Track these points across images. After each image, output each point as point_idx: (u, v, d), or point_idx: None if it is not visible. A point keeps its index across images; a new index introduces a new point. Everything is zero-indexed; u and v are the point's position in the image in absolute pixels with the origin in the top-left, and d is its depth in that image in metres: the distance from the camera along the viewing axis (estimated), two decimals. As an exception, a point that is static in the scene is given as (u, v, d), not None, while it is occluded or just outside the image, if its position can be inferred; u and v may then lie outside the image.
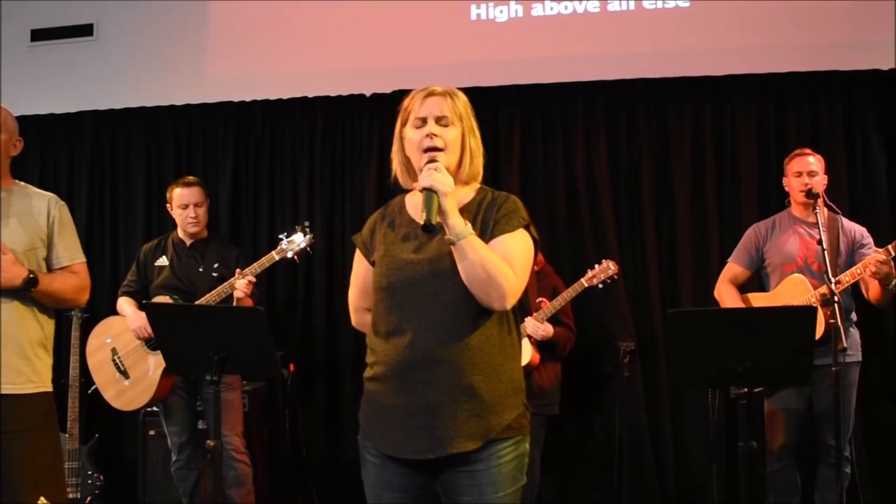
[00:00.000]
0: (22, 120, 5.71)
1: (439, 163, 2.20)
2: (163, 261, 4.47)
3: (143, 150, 5.71)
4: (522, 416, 2.26)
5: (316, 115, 5.44)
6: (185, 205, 4.45)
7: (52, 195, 3.13)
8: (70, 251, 3.09)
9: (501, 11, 5.23)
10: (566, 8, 5.14)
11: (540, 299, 4.25)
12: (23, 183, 3.12)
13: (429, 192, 2.13)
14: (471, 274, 2.13)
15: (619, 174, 5.05)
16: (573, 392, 4.77)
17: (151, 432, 4.79)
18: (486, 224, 2.26)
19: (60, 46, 5.91)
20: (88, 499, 4.87)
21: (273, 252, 4.29)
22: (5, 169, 3.04)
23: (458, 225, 2.13)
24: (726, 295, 4.19)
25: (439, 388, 2.16)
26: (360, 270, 2.43)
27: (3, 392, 2.83)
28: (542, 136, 5.16)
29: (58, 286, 2.98)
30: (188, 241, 4.49)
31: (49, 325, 3.04)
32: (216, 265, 4.40)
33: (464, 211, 2.26)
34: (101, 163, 5.79)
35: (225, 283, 4.24)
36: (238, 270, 4.25)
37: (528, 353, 4.10)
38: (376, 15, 5.40)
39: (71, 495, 4.79)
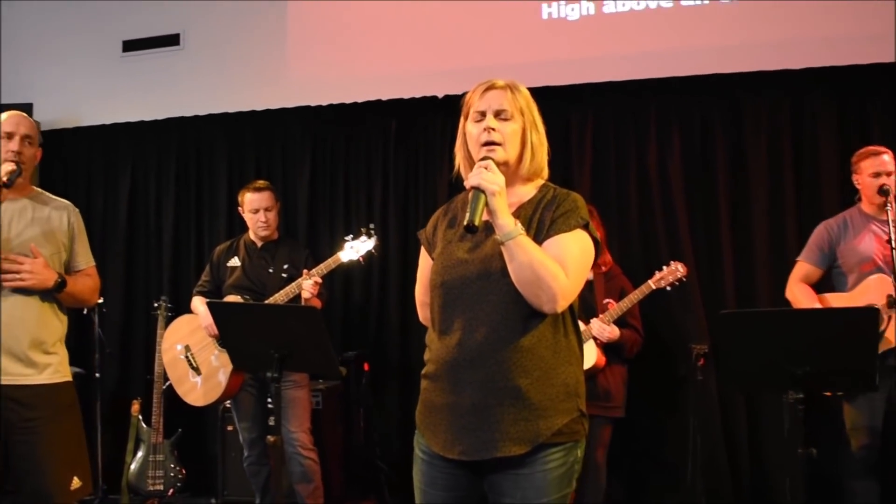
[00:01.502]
0: (114, 127, 6.06)
1: (490, 161, 2.16)
2: (234, 262, 4.60)
3: (226, 154, 5.91)
4: (576, 422, 2.20)
5: (390, 117, 5.52)
6: (255, 209, 4.57)
7: (68, 203, 3.33)
8: (86, 256, 3.31)
9: (573, 9, 5.19)
10: (638, 4, 5.06)
11: (607, 300, 4.19)
12: (39, 189, 3.31)
13: (477, 191, 2.10)
14: (519, 275, 2.11)
15: (693, 172, 4.94)
16: (645, 395, 4.72)
17: (229, 428, 4.96)
18: (543, 223, 2.21)
19: (149, 56, 6.16)
20: (171, 491, 5.04)
21: (339, 254, 4.37)
22: (29, 179, 3.22)
23: (508, 225, 2.09)
24: (801, 295, 4.04)
25: (486, 388, 2.14)
26: (424, 266, 2.43)
27: (36, 382, 3.03)
28: (614, 135, 5.10)
29: (79, 288, 3.20)
30: (259, 243, 4.61)
31: (66, 321, 3.24)
32: (285, 266, 4.50)
33: (522, 208, 2.24)
34: (186, 167, 6.01)
35: (293, 284, 4.33)
36: (305, 271, 4.34)
37: (593, 356, 4.06)
38: (448, 16, 5.44)
39: (153, 487, 4.99)
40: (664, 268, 4.18)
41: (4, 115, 3.16)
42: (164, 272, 5.97)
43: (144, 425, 5.14)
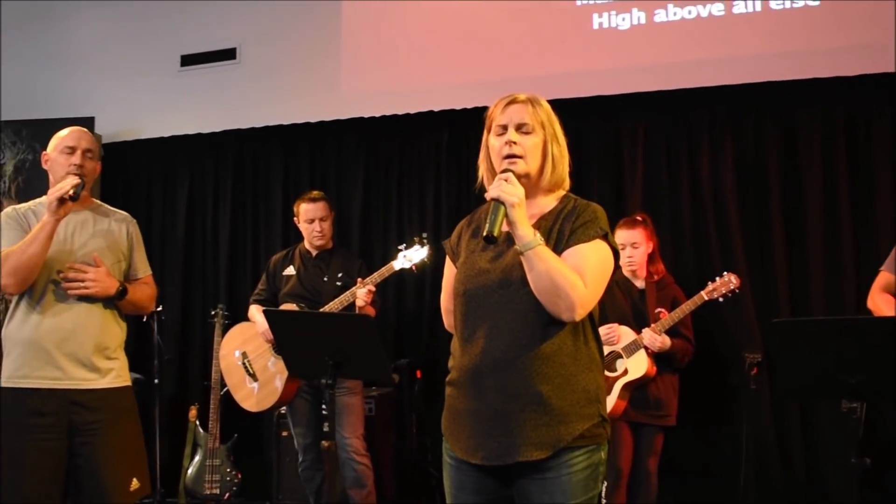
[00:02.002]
0: (172, 140, 6.22)
1: (510, 173, 2.21)
2: (290, 271, 4.69)
3: (282, 165, 6.03)
4: (598, 426, 2.24)
5: (441, 128, 5.58)
6: (310, 219, 4.66)
7: (127, 214, 3.44)
8: (143, 264, 3.41)
9: (624, 19, 5.20)
10: (689, 13, 5.05)
11: (659, 310, 4.19)
12: (99, 202, 3.42)
13: (496, 202, 2.15)
14: (538, 284, 2.15)
15: (746, 181, 4.91)
16: (697, 404, 4.69)
17: (284, 434, 5.02)
18: (563, 233, 2.26)
19: (207, 70, 6.31)
20: (227, 495, 5.16)
21: (392, 263, 4.43)
22: (90, 191, 3.33)
23: (527, 235, 2.14)
24: (883, 304, 3.95)
25: (508, 394, 2.19)
26: (449, 275, 2.48)
27: (99, 387, 3.13)
28: (666, 145, 5.09)
29: (139, 295, 3.30)
30: (314, 252, 4.70)
31: (125, 328, 3.34)
32: (340, 275, 4.59)
33: (544, 219, 2.29)
34: (243, 178, 6.15)
35: (347, 292, 4.41)
36: (360, 280, 4.41)
37: (644, 365, 4.07)
38: (499, 28, 5.49)
39: (210, 491, 5.11)
40: (717, 279, 4.16)
41: (66, 130, 3.28)
42: (220, 281, 6.10)
43: (202, 430, 5.27)
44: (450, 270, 2.49)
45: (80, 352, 3.10)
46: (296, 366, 3.54)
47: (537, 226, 2.26)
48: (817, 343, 3.01)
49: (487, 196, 2.20)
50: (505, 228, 2.19)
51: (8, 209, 3.27)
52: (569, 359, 2.22)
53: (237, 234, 6.13)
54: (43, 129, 6.25)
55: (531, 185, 2.30)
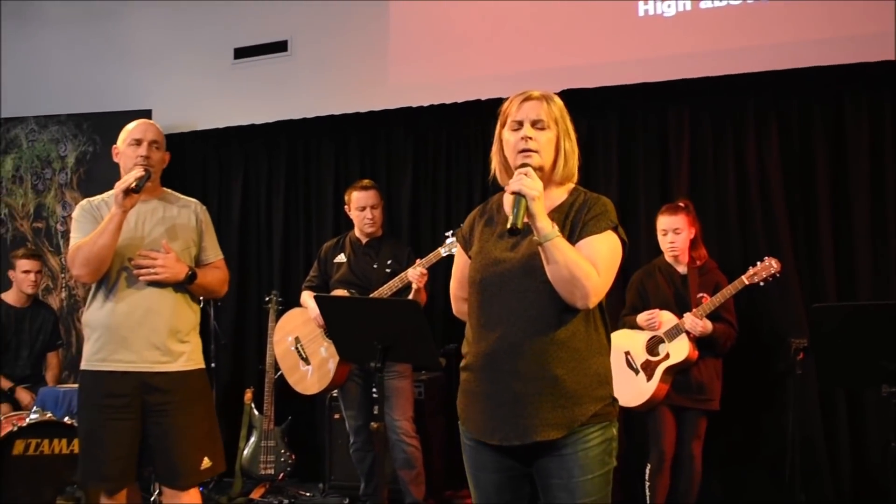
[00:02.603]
0: (227, 131, 6.39)
1: (529, 168, 2.29)
2: (341, 258, 4.81)
3: (333, 155, 6.15)
4: (609, 406, 2.36)
5: (488, 116, 5.61)
6: (362, 207, 4.78)
7: (196, 201, 3.56)
8: (214, 249, 3.51)
9: (669, 6, 5.21)
10: (735, -1, 5.07)
11: (701, 295, 4.23)
12: (169, 190, 3.55)
13: (518, 196, 2.24)
14: (556, 274, 2.24)
15: (792, 167, 4.90)
16: (743, 389, 4.74)
17: (336, 416, 5.16)
18: (576, 225, 2.36)
19: (259, 62, 6.46)
20: (281, 476, 5.33)
21: (440, 248, 4.53)
22: (158, 181, 3.45)
23: (546, 227, 2.23)
24: None
25: (525, 378, 2.29)
26: (460, 263, 2.60)
27: (171, 370, 3.25)
28: (711, 131, 5.10)
29: (209, 280, 3.40)
30: (364, 240, 4.82)
31: (198, 312, 3.46)
32: (389, 262, 4.70)
33: (556, 211, 2.37)
34: (295, 168, 6.29)
35: (397, 277, 4.53)
36: (418, 259, 4.51)
37: (685, 349, 4.11)
38: (544, 16, 5.53)
39: (265, 471, 5.28)
40: (758, 263, 4.18)
41: (134, 123, 3.41)
42: (274, 268, 6.26)
43: (257, 412, 5.43)
44: (461, 259, 2.61)
45: (153, 336, 3.21)
46: (346, 350, 3.64)
47: (550, 217, 2.33)
48: (858, 328, 3.06)
49: (509, 190, 2.29)
50: (525, 220, 2.27)
51: (83, 202, 3.41)
52: (582, 344, 2.33)
53: (290, 223, 6.28)
54: (103, 123, 6.50)
55: (544, 178, 2.39)
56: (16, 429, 4.16)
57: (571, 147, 2.43)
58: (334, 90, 6.18)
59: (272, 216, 6.33)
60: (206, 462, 3.29)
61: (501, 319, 2.34)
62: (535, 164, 2.34)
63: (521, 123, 2.39)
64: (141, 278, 3.21)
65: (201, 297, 3.50)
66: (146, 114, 6.30)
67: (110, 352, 3.22)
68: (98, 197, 3.41)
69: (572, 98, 5.20)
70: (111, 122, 6.33)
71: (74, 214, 3.38)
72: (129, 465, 3.22)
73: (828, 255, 4.79)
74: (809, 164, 4.88)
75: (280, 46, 6.39)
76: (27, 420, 4.23)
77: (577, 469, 2.29)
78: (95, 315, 3.26)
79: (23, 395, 5.02)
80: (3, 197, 6.65)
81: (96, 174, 6.46)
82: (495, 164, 2.51)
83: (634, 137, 5.28)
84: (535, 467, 2.35)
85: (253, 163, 6.44)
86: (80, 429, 3.34)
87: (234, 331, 6.28)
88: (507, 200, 2.50)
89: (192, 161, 6.61)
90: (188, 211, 3.47)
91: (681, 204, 4.39)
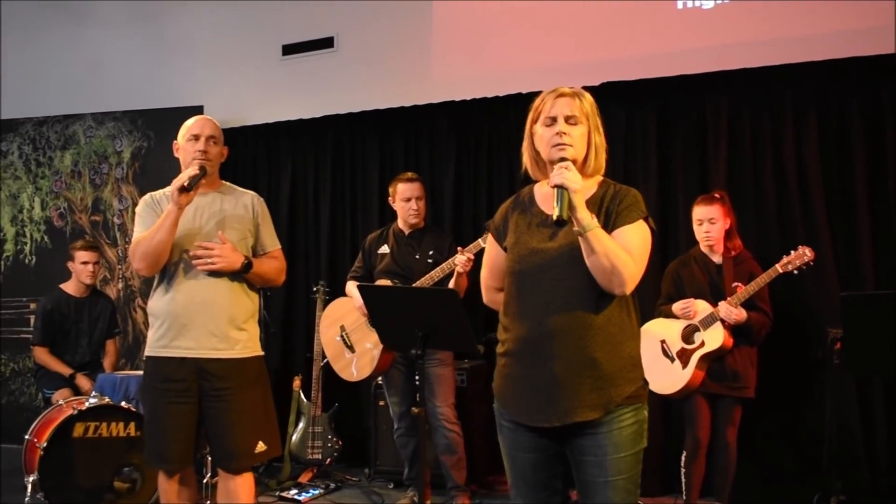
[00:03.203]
0: (276, 126, 6.56)
1: (569, 162, 2.40)
2: (384, 249, 4.94)
3: (378, 149, 6.28)
4: (641, 388, 2.48)
5: (528, 109, 5.71)
6: (407, 198, 4.90)
7: (253, 193, 3.66)
8: (271, 239, 3.62)
9: (708, -1, 5.27)
10: (774, -10, 5.08)
11: (735, 284, 4.26)
12: (228, 183, 3.67)
13: (560, 189, 2.34)
14: (596, 263, 2.35)
15: (830, 157, 4.91)
16: (780, 378, 4.78)
17: (381, 403, 5.29)
18: (609, 215, 2.47)
19: (307, 59, 6.63)
20: (328, 460, 5.48)
21: (479, 240, 4.62)
22: (217, 174, 3.59)
23: (586, 219, 2.34)
24: None
25: (564, 362, 2.40)
26: (492, 254, 2.71)
27: (227, 356, 3.37)
28: (749, 122, 5.13)
29: (265, 269, 3.51)
30: (407, 231, 4.94)
31: (256, 300, 3.57)
32: (431, 252, 4.82)
33: (588, 203, 2.46)
34: (342, 162, 6.43)
35: (438, 267, 4.64)
36: (459, 249, 4.62)
37: (720, 337, 4.17)
38: (584, 10, 5.61)
39: (312, 456, 5.44)
40: (791, 252, 4.21)
41: (192, 119, 3.55)
42: (322, 259, 6.41)
43: (305, 399, 5.60)
44: (493, 250, 2.72)
45: (211, 323, 3.34)
46: (388, 337, 3.73)
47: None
48: (885, 316, 3.09)
49: (551, 183, 2.39)
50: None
51: (145, 196, 3.57)
52: (616, 328, 2.44)
53: (336, 215, 6.43)
54: (157, 119, 6.72)
55: (576, 171, 2.47)
56: (76, 412, 4.36)
57: (601, 141, 2.53)
58: (379, 85, 6.33)
59: (319, 208, 6.49)
60: (261, 446, 3.40)
61: (540, 307, 2.44)
62: (569, 157, 2.43)
63: (554, 119, 2.49)
64: (199, 268, 3.33)
65: (259, 286, 3.60)
66: (198, 110, 6.51)
67: (171, 339, 3.36)
68: (160, 191, 3.55)
69: (612, 90, 5.38)
70: (164, 118, 6.58)
71: (137, 209, 3.53)
72: (188, 448, 3.37)
73: (866, 244, 4.80)
74: (847, 154, 4.88)
75: (327, 43, 6.56)
76: (86, 404, 4.43)
77: (611, 447, 2.40)
78: (158, 304, 3.42)
79: (83, 381, 5.24)
80: (63, 191, 6.91)
81: (150, 169, 6.68)
82: (526, 159, 2.62)
83: (673, 129, 5.33)
84: (569, 446, 2.46)
85: (301, 157, 6.60)
86: (144, 411, 3.51)
87: (284, 320, 6.45)
88: (540, 192, 2.61)
89: (242, 155, 6.77)
90: (245, 202, 3.58)
91: (716, 195, 4.43)
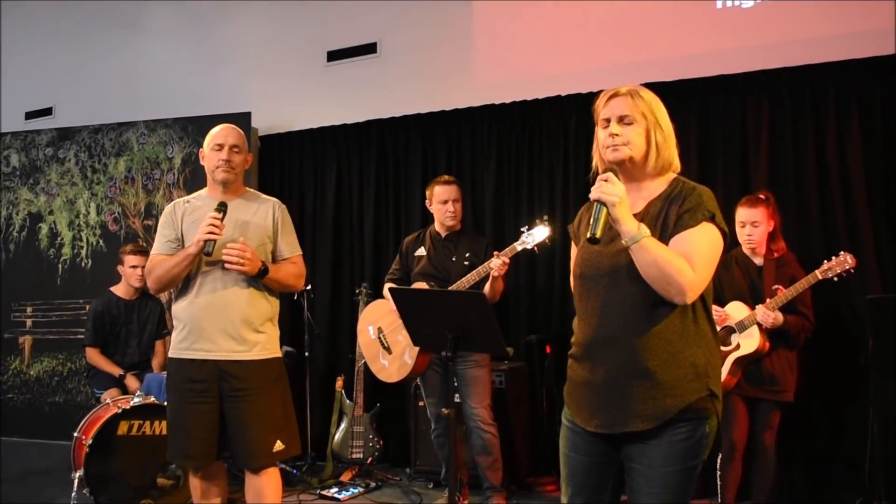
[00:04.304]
0: (321, 130, 6.66)
1: (610, 174, 2.34)
2: (421, 251, 5.00)
3: (420, 152, 6.34)
4: (705, 401, 2.35)
5: (569, 112, 5.73)
6: (444, 200, 4.95)
7: (275, 200, 3.73)
8: (290, 246, 3.69)
9: (748, -2, 5.22)
10: (815, -12, 5.01)
11: (776, 287, 4.20)
12: (252, 190, 3.76)
13: (599, 203, 2.30)
14: (648, 273, 2.31)
15: (874, 157, 4.82)
16: (825, 382, 4.72)
17: (420, 404, 5.33)
18: (668, 217, 2.40)
19: (350, 64, 6.74)
20: (370, 460, 5.55)
21: (515, 244, 4.65)
22: (241, 181, 3.69)
23: (631, 230, 2.29)
24: None
25: (617, 370, 2.37)
26: (574, 257, 2.69)
27: (245, 358, 3.47)
28: (791, 121, 5.06)
29: (282, 274, 3.58)
30: (443, 234, 4.99)
31: (276, 304, 3.65)
32: (467, 255, 4.85)
33: (652, 204, 2.44)
34: (385, 165, 6.50)
35: (475, 270, 4.67)
36: (495, 253, 4.64)
37: (756, 341, 4.12)
38: (623, 11, 5.60)
39: (354, 455, 5.52)
40: (833, 258, 4.13)
41: (217, 128, 3.66)
42: (366, 261, 6.48)
43: (347, 400, 5.67)
44: (574, 252, 2.70)
45: (230, 327, 3.46)
46: (420, 339, 3.79)
47: (646, 210, 2.43)
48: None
49: (591, 197, 2.34)
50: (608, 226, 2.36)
51: (169, 205, 3.71)
52: (675, 336, 2.35)
53: (380, 217, 6.50)
54: (206, 125, 6.75)
55: (637, 170, 2.48)
56: (120, 411, 4.50)
57: (664, 138, 2.47)
58: (421, 89, 6.39)
59: (364, 211, 6.56)
60: (279, 445, 3.49)
61: (597, 312, 2.44)
62: (623, 157, 2.42)
63: (608, 121, 2.48)
64: (229, 268, 3.43)
65: (277, 291, 3.67)
66: (246, 116, 6.66)
67: (192, 341, 3.49)
68: (183, 198, 3.71)
69: (652, 91, 5.30)
70: (213, 125, 6.63)
71: (161, 217, 3.68)
72: (209, 446, 3.48)
73: (910, 247, 4.70)
74: (891, 154, 4.79)
75: (370, 48, 6.64)
76: (131, 403, 4.56)
77: (659, 460, 2.35)
78: (179, 307, 3.56)
79: (131, 381, 5.38)
80: (117, 196, 7.11)
81: (200, 174, 6.73)
82: (596, 161, 2.59)
83: (713, 129, 5.29)
84: (624, 451, 2.44)
85: (346, 161, 6.68)
86: (167, 410, 3.63)
87: (330, 321, 6.54)
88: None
89: (289, 160, 6.92)
90: (266, 209, 3.67)
91: (761, 196, 4.37)
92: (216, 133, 3.64)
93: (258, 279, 3.51)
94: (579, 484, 2.54)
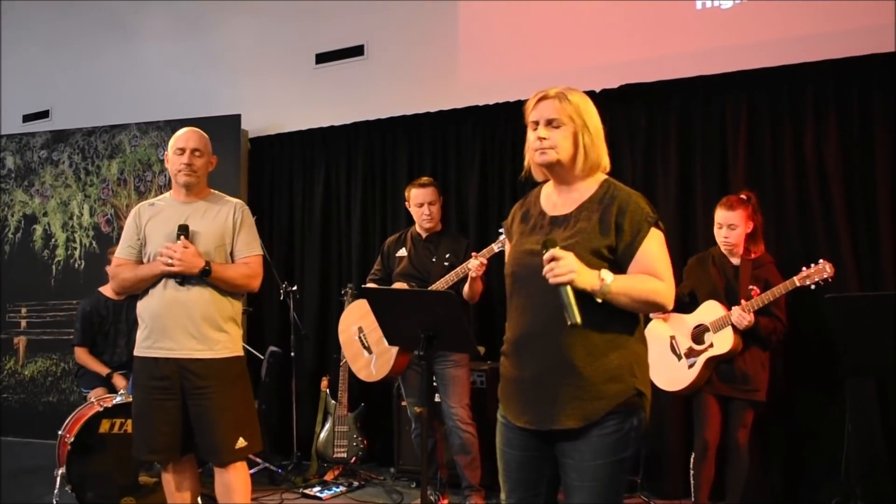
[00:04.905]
0: (310, 132, 6.70)
1: (552, 251, 2.34)
2: (402, 252, 5.03)
3: (406, 153, 6.38)
4: (633, 398, 2.42)
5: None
6: (420, 203, 4.98)
7: (238, 201, 3.79)
8: (248, 246, 3.72)
9: (727, -1, 5.26)
10: (793, -12, 5.03)
11: (751, 287, 4.20)
12: (216, 192, 3.82)
13: (561, 287, 2.31)
14: (630, 308, 2.40)
15: (852, 157, 4.83)
16: (801, 382, 4.76)
17: (403, 403, 5.37)
18: (606, 222, 2.44)
19: (338, 67, 6.80)
20: (353, 459, 5.59)
21: (493, 244, 4.65)
22: (204, 183, 3.76)
23: (595, 287, 2.34)
24: None
25: (545, 366, 2.43)
26: (508, 254, 2.74)
27: (207, 356, 3.54)
28: (769, 121, 5.08)
29: (230, 274, 3.61)
30: (424, 235, 5.02)
31: (237, 304, 3.70)
32: (447, 255, 4.88)
33: (586, 206, 2.49)
34: (372, 167, 6.54)
35: (454, 270, 4.71)
36: (474, 253, 4.67)
37: (729, 341, 4.13)
38: (604, 13, 5.64)
39: (338, 455, 5.56)
40: (812, 266, 4.09)
41: (180, 131, 3.74)
42: (353, 261, 6.52)
43: (332, 399, 5.72)
44: (508, 249, 2.74)
45: (191, 326, 3.53)
46: (394, 338, 3.83)
47: (578, 211, 2.48)
48: (873, 318, 3.06)
49: (550, 283, 2.33)
50: (557, 212, 2.50)
51: (135, 208, 3.79)
52: (600, 339, 2.41)
53: (367, 218, 6.54)
54: (197, 127, 6.90)
55: (566, 172, 2.53)
56: (102, 409, 4.56)
57: (591, 140, 2.51)
58: (407, 91, 6.44)
59: (351, 212, 6.60)
60: (242, 442, 3.56)
61: (528, 310, 2.49)
62: (552, 160, 2.48)
63: (536, 123, 2.53)
64: (160, 267, 3.51)
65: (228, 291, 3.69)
66: (236, 119, 6.73)
67: (155, 340, 3.57)
68: (147, 201, 3.79)
69: (632, 92, 5.40)
70: (204, 127, 6.63)
71: (127, 220, 3.76)
72: (174, 440, 3.56)
73: (887, 249, 4.70)
74: (869, 154, 4.80)
75: (357, 51, 6.70)
76: (113, 402, 4.62)
77: (589, 453, 2.40)
78: (142, 307, 3.63)
79: (118, 381, 5.44)
80: (110, 198, 7.18)
81: (191, 176, 6.88)
82: (527, 161, 2.64)
83: (693, 129, 5.31)
84: (557, 447, 2.48)
85: (334, 162, 6.73)
86: (132, 407, 3.71)
87: (317, 322, 6.59)
88: (545, 192, 2.65)
89: (279, 162, 6.97)
90: (227, 210, 3.72)
91: (743, 196, 4.37)
92: (178, 137, 3.71)
93: (203, 278, 3.54)
94: (515, 478, 2.59)
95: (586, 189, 2.53)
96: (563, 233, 2.47)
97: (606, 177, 2.58)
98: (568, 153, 2.50)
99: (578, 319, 2.28)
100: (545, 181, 2.67)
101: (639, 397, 2.44)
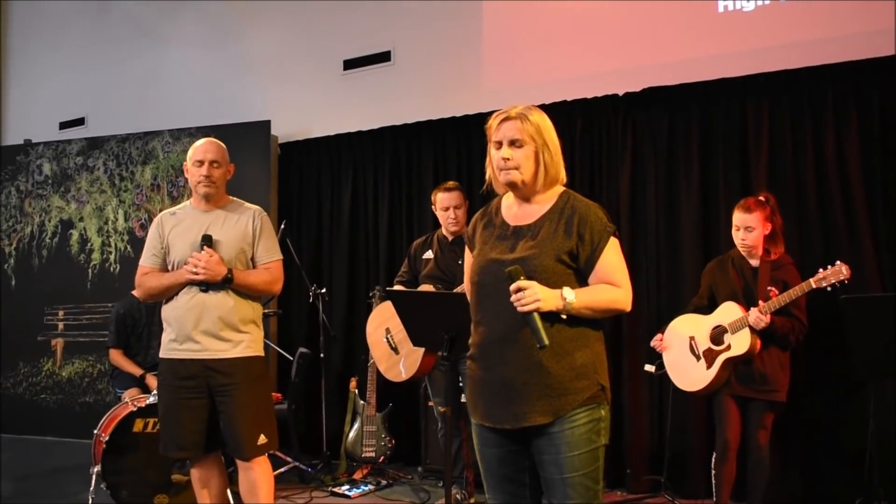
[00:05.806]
0: (337, 138, 6.81)
1: (517, 283, 2.49)
2: (429, 254, 5.12)
3: (432, 157, 6.48)
4: (598, 393, 2.59)
5: (575, 117, 5.82)
6: (446, 207, 5.06)
7: (256, 208, 3.92)
8: (268, 252, 3.86)
9: (749, 1, 5.28)
10: (814, -9, 5.06)
11: (770, 288, 4.23)
12: (236, 200, 3.95)
13: (528, 316, 2.47)
14: (595, 317, 2.61)
15: (873, 159, 4.86)
16: (823, 382, 4.78)
17: (430, 403, 5.46)
18: (569, 232, 2.60)
19: (366, 72, 6.90)
20: (381, 458, 5.70)
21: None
22: (223, 192, 3.89)
23: (560, 307, 2.51)
24: None
25: (513, 367, 2.56)
26: (468, 262, 2.88)
27: (231, 356, 3.69)
28: (790, 124, 5.11)
29: (252, 280, 3.76)
30: (450, 238, 5.10)
31: (258, 306, 3.85)
32: (472, 258, 4.96)
33: (546, 219, 2.65)
34: (398, 171, 6.65)
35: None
36: None
37: (746, 342, 4.17)
38: (628, 17, 5.70)
39: (366, 454, 5.67)
40: (829, 267, 4.10)
41: (199, 142, 3.88)
42: (381, 264, 6.62)
43: (361, 400, 5.83)
44: (468, 258, 2.88)
45: (213, 327, 3.68)
46: (418, 339, 3.92)
47: (540, 222, 2.64)
48: (890, 319, 3.10)
49: (520, 311, 2.49)
50: (518, 223, 2.66)
51: (157, 217, 3.94)
52: (565, 339, 2.56)
53: (394, 222, 6.64)
54: (228, 133, 7.00)
55: (528, 188, 2.69)
56: (136, 409, 4.70)
57: (550, 157, 2.66)
58: (433, 96, 6.54)
59: (378, 215, 6.71)
60: (263, 438, 3.71)
61: (494, 315, 2.61)
62: (516, 179, 2.62)
63: (500, 143, 2.66)
64: (185, 276, 3.66)
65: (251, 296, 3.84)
66: (266, 125, 6.87)
67: (180, 342, 3.72)
68: (171, 209, 3.94)
69: (654, 95, 5.44)
70: (235, 133, 6.91)
71: (150, 230, 3.92)
72: (200, 437, 3.71)
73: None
74: (890, 155, 4.82)
75: (384, 57, 6.81)
76: (147, 401, 4.75)
77: (564, 446, 2.54)
78: (168, 311, 3.78)
79: (151, 381, 5.57)
80: (144, 203, 7.35)
81: (221, 181, 7.03)
82: (489, 174, 2.77)
83: (715, 132, 5.35)
84: (532, 445, 2.62)
85: (361, 167, 6.83)
86: (159, 406, 3.85)
87: (346, 323, 6.70)
88: (506, 203, 2.78)
89: (308, 166, 7.10)
90: (246, 217, 3.85)
91: (761, 198, 4.41)
92: (196, 148, 3.84)
93: (225, 285, 3.69)
94: (496, 475, 2.71)
95: (546, 201, 2.69)
96: (527, 242, 2.62)
97: (564, 188, 2.74)
98: (530, 171, 2.65)
99: (547, 342, 2.45)
100: (505, 192, 2.80)
101: (602, 391, 2.61)
